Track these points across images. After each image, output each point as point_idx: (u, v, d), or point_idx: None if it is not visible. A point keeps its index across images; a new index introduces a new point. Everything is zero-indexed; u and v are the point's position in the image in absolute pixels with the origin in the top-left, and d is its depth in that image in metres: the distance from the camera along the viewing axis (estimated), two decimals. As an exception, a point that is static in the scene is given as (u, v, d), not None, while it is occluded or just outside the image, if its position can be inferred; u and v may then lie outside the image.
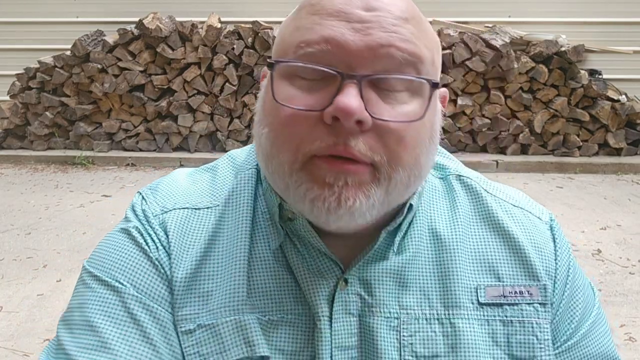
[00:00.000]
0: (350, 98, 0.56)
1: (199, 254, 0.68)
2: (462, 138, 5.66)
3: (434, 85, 0.61)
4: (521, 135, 5.59)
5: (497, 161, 5.54)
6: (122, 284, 0.65)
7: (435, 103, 0.65)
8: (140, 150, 5.86)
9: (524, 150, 5.68)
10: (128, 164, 5.73)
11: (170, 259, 0.68)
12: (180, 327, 0.65)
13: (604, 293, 3.05)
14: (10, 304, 2.91)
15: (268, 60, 0.63)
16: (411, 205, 0.67)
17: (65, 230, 3.92)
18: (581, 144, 5.61)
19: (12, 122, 5.87)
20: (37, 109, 5.82)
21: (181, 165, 5.67)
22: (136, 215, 0.71)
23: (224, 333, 0.65)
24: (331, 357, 0.65)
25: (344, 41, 0.58)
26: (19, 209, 4.39)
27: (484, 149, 5.72)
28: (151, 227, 0.70)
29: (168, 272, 0.67)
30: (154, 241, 0.69)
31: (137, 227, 0.69)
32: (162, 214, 0.71)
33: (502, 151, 5.68)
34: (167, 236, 0.69)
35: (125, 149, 5.89)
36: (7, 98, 5.91)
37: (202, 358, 0.64)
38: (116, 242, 0.70)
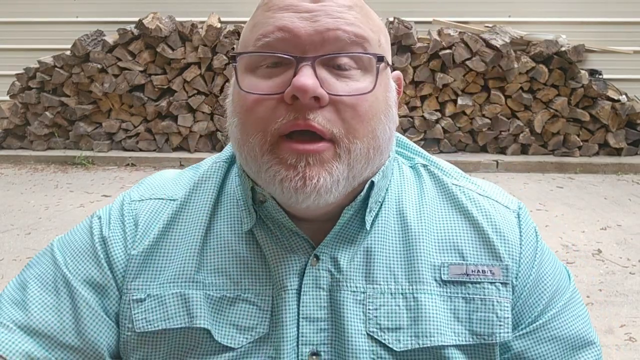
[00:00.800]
0: (305, 77, 0.63)
1: (158, 233, 0.76)
2: (462, 138, 5.66)
3: (380, 59, 0.67)
4: (521, 135, 5.59)
5: (497, 161, 5.53)
6: (61, 260, 0.75)
7: (387, 80, 0.71)
8: (140, 150, 5.86)
9: (524, 150, 5.68)
10: (128, 164, 5.73)
11: (125, 241, 0.76)
12: (133, 296, 0.73)
13: (604, 293, 3.05)
14: (10, 304, 2.91)
15: (230, 53, 0.68)
16: (372, 182, 0.72)
17: (65, 230, 3.90)
18: (581, 144, 5.61)
19: (12, 122, 5.87)
20: (37, 109, 5.82)
21: (181, 165, 5.66)
22: (112, 205, 0.81)
23: (168, 304, 0.72)
24: (298, 327, 0.71)
25: (295, 27, 0.65)
26: (19, 209, 4.39)
27: (484, 149, 5.72)
28: (121, 213, 0.78)
29: (118, 254, 0.75)
30: (109, 228, 0.77)
31: (99, 217, 0.78)
32: (139, 201, 0.80)
33: (502, 151, 5.68)
34: (136, 221, 0.77)
35: (125, 149, 5.88)
36: (7, 98, 5.91)
37: (148, 323, 0.72)
38: (79, 226, 0.80)
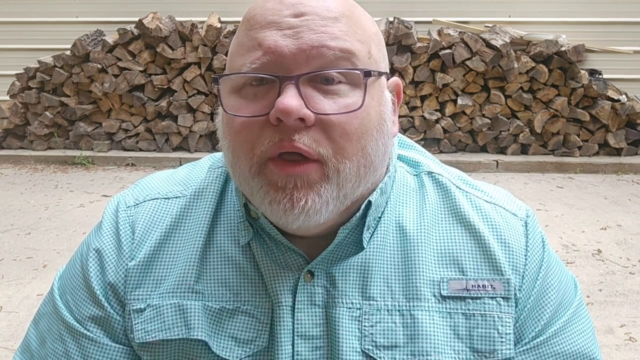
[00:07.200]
0: (288, 98, 0.61)
1: (158, 241, 0.75)
2: (462, 138, 5.66)
3: (367, 74, 0.64)
4: (521, 135, 5.59)
5: (497, 161, 5.53)
6: (61, 306, 0.76)
7: (379, 92, 0.68)
8: (140, 150, 5.86)
9: (524, 150, 5.68)
10: (128, 164, 5.73)
11: (120, 255, 0.75)
12: (133, 306, 0.73)
13: (604, 293, 3.05)
14: (10, 304, 2.91)
15: (213, 76, 0.69)
16: (369, 201, 0.70)
17: (65, 230, 3.92)
18: (581, 144, 5.61)
19: (12, 122, 5.87)
20: (37, 109, 5.82)
21: (181, 165, 5.65)
22: (106, 212, 0.79)
23: (166, 314, 0.72)
24: (293, 345, 0.69)
25: (279, 47, 0.63)
26: (19, 209, 4.39)
27: (484, 149, 5.72)
28: (115, 223, 0.77)
29: (114, 271, 0.74)
30: (103, 242, 0.76)
31: (97, 249, 0.76)
32: (134, 205, 0.79)
33: (502, 151, 5.68)
34: (133, 228, 0.77)
35: (125, 149, 5.88)
36: (7, 98, 5.91)
37: (146, 333, 0.72)
38: (75, 258, 0.79)
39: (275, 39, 0.63)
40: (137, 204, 0.79)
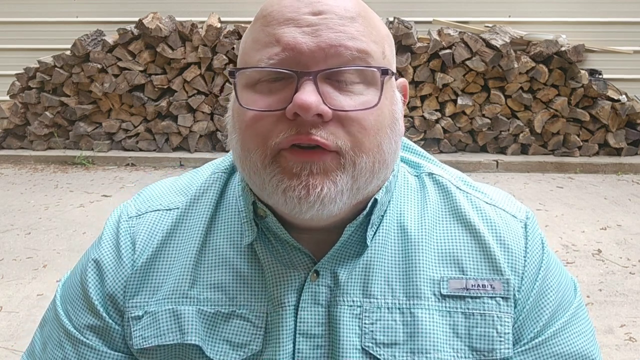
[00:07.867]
0: (307, 94, 0.61)
1: (156, 248, 0.76)
2: (462, 138, 5.66)
3: (384, 72, 0.65)
4: (521, 135, 5.59)
5: (497, 161, 5.53)
6: (62, 314, 0.77)
7: (392, 92, 0.69)
8: (140, 150, 5.86)
9: (524, 150, 5.68)
10: (128, 164, 5.73)
11: (120, 265, 0.76)
12: (132, 313, 0.74)
13: (604, 293, 3.05)
14: (10, 304, 2.91)
15: (229, 69, 0.68)
16: (376, 199, 0.71)
17: (65, 230, 3.92)
18: (581, 144, 5.61)
19: (12, 122, 5.87)
20: (37, 109, 5.82)
21: (181, 165, 5.66)
22: (108, 222, 0.80)
23: (161, 320, 0.73)
24: (294, 343, 0.69)
25: (297, 44, 0.63)
26: (19, 209, 4.39)
27: (484, 149, 5.72)
28: (116, 234, 0.78)
29: (113, 281, 0.75)
30: (102, 254, 0.77)
31: (96, 260, 0.76)
32: (136, 216, 0.79)
33: (502, 151, 5.68)
34: (134, 240, 0.77)
35: (125, 149, 5.88)
36: (7, 98, 5.91)
37: (143, 340, 0.73)
38: (77, 269, 0.80)
39: (294, 36, 0.63)
40: (139, 215, 0.79)
